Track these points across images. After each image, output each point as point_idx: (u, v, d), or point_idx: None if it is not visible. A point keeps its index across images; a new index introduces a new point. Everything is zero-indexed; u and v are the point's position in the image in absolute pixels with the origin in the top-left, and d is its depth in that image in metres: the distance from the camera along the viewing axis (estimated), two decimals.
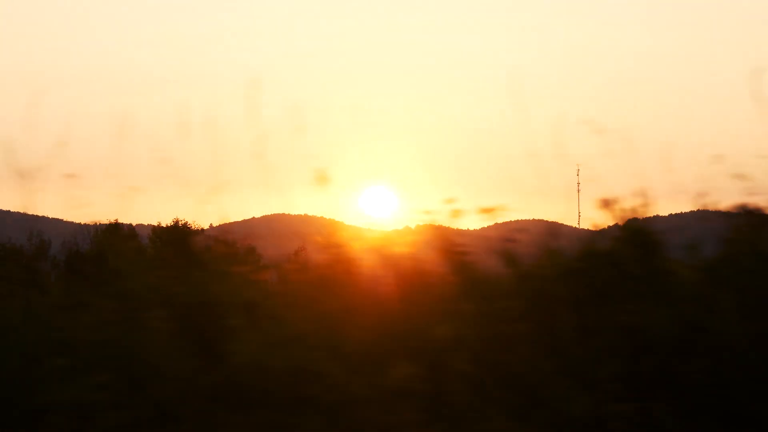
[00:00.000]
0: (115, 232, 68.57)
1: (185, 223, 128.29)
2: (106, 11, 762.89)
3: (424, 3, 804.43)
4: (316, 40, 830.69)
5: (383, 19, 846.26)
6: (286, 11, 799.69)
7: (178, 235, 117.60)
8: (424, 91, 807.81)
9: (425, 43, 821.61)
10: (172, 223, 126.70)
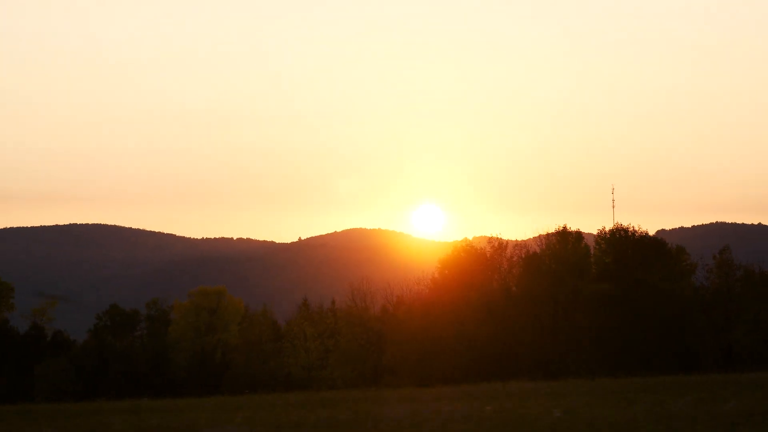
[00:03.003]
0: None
1: (627, 228, 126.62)
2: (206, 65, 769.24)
3: (472, 47, 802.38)
4: (379, 78, 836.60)
5: (435, 65, 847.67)
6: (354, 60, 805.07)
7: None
8: (473, 122, 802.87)
9: (477, 80, 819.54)
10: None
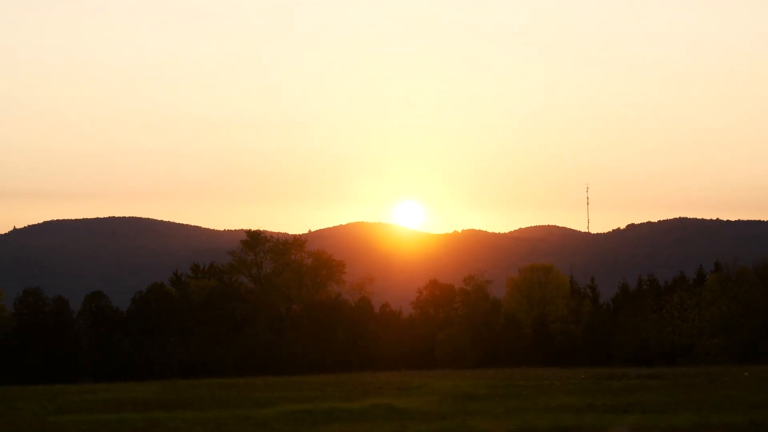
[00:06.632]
0: None
1: None
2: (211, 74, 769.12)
3: (450, 56, 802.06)
4: (363, 88, 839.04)
5: (421, 75, 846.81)
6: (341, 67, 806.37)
7: None
8: (452, 129, 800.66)
9: (455, 93, 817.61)
10: None
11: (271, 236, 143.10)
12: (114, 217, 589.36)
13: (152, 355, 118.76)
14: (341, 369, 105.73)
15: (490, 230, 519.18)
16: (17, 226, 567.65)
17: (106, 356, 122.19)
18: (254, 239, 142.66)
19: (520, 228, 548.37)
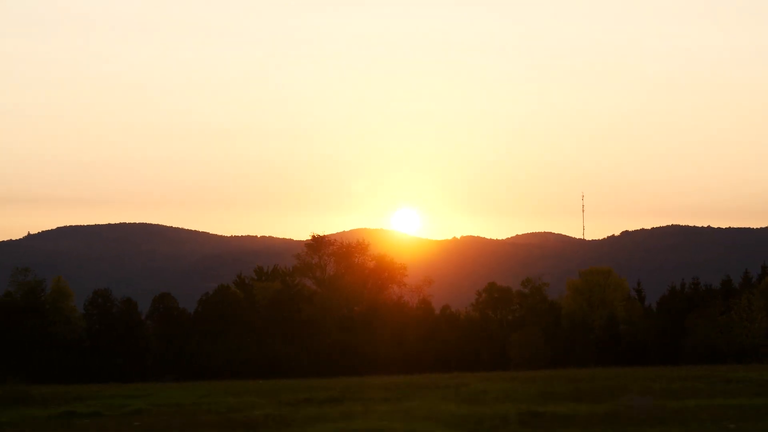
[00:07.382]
0: None
1: None
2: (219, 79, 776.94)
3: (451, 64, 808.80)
4: (362, 97, 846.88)
5: (414, 86, 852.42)
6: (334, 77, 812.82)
7: None
8: (443, 131, 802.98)
9: (452, 104, 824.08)
10: None
11: (334, 239, 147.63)
12: (125, 222, 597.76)
13: (231, 355, 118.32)
14: (414, 370, 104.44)
15: (487, 236, 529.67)
16: (31, 232, 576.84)
17: (179, 356, 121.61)
18: (318, 243, 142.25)
19: (517, 234, 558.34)
